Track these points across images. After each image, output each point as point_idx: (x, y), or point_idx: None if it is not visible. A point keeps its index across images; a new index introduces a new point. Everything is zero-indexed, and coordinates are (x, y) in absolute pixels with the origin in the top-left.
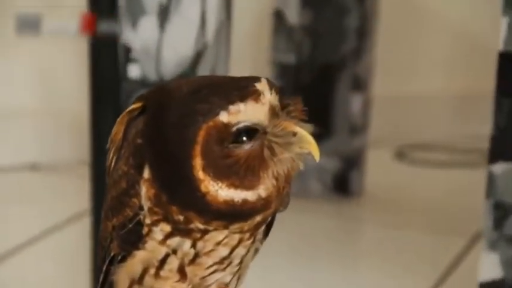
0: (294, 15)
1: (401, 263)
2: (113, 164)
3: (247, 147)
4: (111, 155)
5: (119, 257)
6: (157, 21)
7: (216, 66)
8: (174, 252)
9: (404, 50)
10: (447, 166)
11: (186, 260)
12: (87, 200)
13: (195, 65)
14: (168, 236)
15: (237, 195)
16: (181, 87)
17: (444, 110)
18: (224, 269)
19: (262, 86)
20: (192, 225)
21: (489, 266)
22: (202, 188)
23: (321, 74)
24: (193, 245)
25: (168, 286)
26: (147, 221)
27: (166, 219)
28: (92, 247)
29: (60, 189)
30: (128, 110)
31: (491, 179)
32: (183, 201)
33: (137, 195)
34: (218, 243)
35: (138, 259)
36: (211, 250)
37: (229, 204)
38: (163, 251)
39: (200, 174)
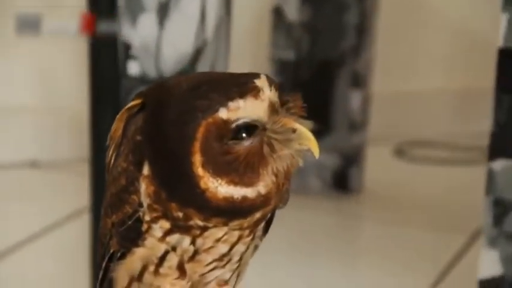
0: (293, 11)
1: (401, 260)
2: (112, 161)
3: (246, 143)
4: (110, 152)
5: (119, 254)
6: (156, 18)
7: (215, 63)
8: (174, 249)
9: (404, 47)
10: (447, 163)
11: (186, 257)
12: (87, 197)
13: (194, 61)
14: (167, 233)
15: (237, 191)
16: (180, 84)
17: (444, 106)
18: (224, 266)
19: (261, 82)
20: (191, 222)
21: (489, 263)
22: (202, 184)
23: (321, 71)
24: (193, 242)
25: (168, 283)
26: (147, 217)
27: (166, 216)
28: (92, 244)
29: (60, 187)
30: (127, 107)
31: (491, 176)
32: (183, 198)
33: (137, 192)
34: (218, 240)
35: (138, 256)
36: (211, 247)
37: (229, 200)
38: (162, 248)
39: (199, 170)
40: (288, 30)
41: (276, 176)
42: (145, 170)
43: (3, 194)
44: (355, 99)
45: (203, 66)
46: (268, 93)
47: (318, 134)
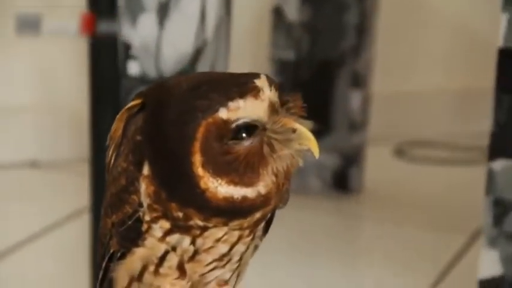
0: (293, 11)
1: (401, 260)
2: (112, 161)
3: (246, 143)
4: (110, 152)
5: (119, 254)
6: (156, 18)
7: (215, 63)
8: (174, 249)
9: (404, 47)
10: (447, 163)
11: (186, 257)
12: (87, 197)
13: (194, 61)
14: (167, 233)
15: (237, 191)
16: (180, 84)
17: (444, 106)
18: (224, 266)
19: (261, 82)
20: (191, 222)
21: (489, 263)
22: (202, 184)
23: (320, 71)
24: (193, 242)
25: (168, 283)
26: (147, 217)
27: (166, 216)
28: (92, 244)
29: (60, 187)
30: (127, 107)
31: (491, 176)
32: (183, 198)
33: (136, 192)
34: (218, 240)
35: (138, 256)
36: (211, 247)
37: (229, 200)
38: (162, 248)
39: (199, 170)
40: (288, 30)
41: (276, 176)
42: (145, 170)
43: (3, 194)
44: (355, 99)
45: (203, 66)
46: (268, 93)
47: (318, 134)
